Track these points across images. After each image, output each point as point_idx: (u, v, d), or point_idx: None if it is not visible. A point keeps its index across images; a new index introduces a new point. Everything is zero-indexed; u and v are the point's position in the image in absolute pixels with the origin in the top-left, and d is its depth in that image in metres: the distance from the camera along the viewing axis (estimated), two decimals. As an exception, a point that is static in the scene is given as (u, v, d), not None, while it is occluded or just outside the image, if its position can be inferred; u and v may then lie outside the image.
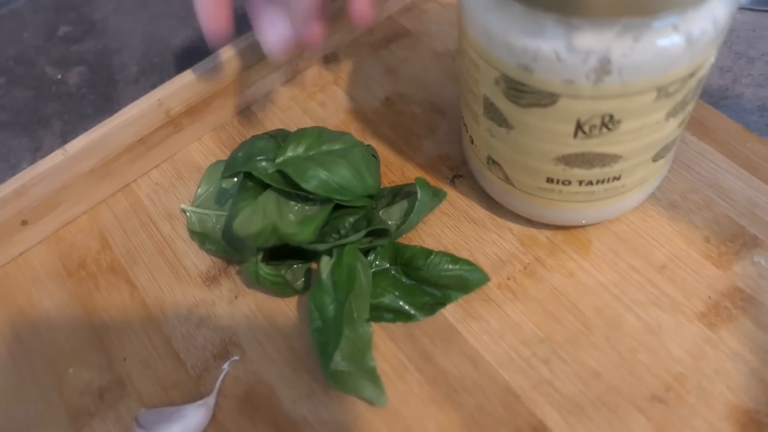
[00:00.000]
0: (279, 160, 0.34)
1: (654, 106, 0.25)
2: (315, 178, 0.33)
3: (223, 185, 0.37)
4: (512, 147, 0.29)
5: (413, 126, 0.40)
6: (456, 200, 0.37)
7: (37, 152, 0.47)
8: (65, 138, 0.47)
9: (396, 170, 0.39)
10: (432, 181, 0.38)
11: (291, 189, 0.33)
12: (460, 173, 0.38)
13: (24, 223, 0.38)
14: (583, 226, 0.34)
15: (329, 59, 0.45)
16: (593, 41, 0.23)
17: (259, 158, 0.35)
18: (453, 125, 0.40)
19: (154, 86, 0.42)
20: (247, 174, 0.34)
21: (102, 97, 0.50)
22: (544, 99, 0.26)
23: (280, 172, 0.34)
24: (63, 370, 0.35)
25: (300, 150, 0.35)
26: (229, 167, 0.35)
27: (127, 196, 0.41)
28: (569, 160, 0.28)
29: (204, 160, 0.41)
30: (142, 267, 0.37)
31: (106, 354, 0.35)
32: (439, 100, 0.41)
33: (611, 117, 0.26)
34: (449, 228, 0.36)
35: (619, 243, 0.34)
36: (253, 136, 0.36)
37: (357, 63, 0.45)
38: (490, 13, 0.26)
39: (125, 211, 0.40)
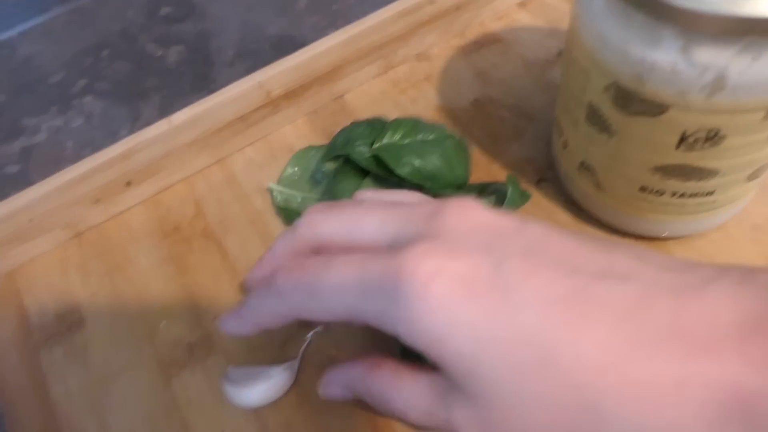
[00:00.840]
0: (376, 145, 0.36)
1: (761, 125, 0.26)
2: (408, 165, 0.35)
3: (325, 168, 0.39)
4: (611, 154, 0.31)
5: (501, 129, 0.42)
6: (540, 203, 0.38)
7: (136, 122, 0.50)
8: (162, 111, 0.50)
9: (482, 169, 0.40)
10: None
11: (386, 174, 0.35)
12: (546, 177, 0.39)
13: (128, 184, 0.41)
14: (665, 239, 0.35)
15: (421, 58, 0.47)
16: (712, 57, 0.24)
17: (357, 143, 0.37)
18: (540, 131, 0.41)
19: (248, 70, 0.44)
20: (346, 158, 0.36)
21: (199, 76, 0.52)
22: (654, 109, 0.27)
23: (376, 157, 0.36)
24: (156, 323, 0.37)
25: (396, 137, 0.36)
26: (330, 150, 0.37)
27: (222, 169, 0.43)
28: (667, 171, 0.29)
29: (297, 142, 0.44)
30: (234, 235, 0.40)
31: (196, 312, 0.37)
32: (528, 106, 0.43)
33: (717, 132, 0.27)
34: (531, 228, 0.37)
35: (700, 259, 0.35)
36: (352, 123, 0.38)
37: (448, 64, 0.46)
38: (607, 20, 0.27)
39: (219, 183, 0.42)
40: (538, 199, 0.38)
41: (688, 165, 0.29)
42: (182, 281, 0.38)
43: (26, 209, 0.39)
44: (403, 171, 0.35)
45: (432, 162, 0.35)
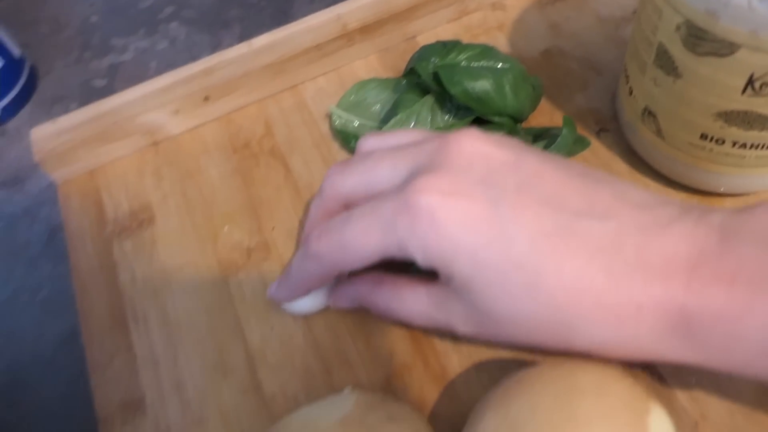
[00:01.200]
0: (439, 63, 0.37)
1: (832, 73, 0.26)
2: (460, 84, 0.36)
3: (384, 96, 0.41)
4: (675, 97, 0.31)
5: (567, 80, 0.42)
6: (599, 151, 0.39)
7: (216, 49, 0.52)
8: (242, 40, 0.52)
9: (545, 115, 0.41)
10: (579, 130, 0.39)
11: (443, 93, 0.37)
12: (607, 128, 0.39)
13: (206, 99, 0.43)
14: (720, 195, 0.35)
15: (496, 7, 0.48)
16: (789, -6, 0.25)
17: (428, 60, 0.38)
18: (606, 84, 0.42)
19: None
20: (413, 76, 0.37)
21: (279, 11, 0.55)
22: (723, 48, 0.27)
23: (436, 75, 0.37)
24: (219, 227, 0.39)
25: (460, 58, 0.38)
26: (408, 65, 0.39)
27: (293, 95, 0.45)
28: (729, 117, 0.30)
29: (366, 76, 0.45)
30: (299, 156, 0.42)
31: (257, 221, 0.39)
32: (597, 60, 0.43)
33: (785, 77, 0.27)
34: (586, 175, 0.38)
35: (755, 218, 0.35)
36: (437, 41, 0.40)
37: (522, 15, 0.47)
38: (685, -41, 0.27)
39: (290, 107, 0.44)
40: (597, 148, 0.39)
41: (752, 112, 0.29)
42: (247, 192, 0.41)
43: (112, 112, 0.42)
44: (454, 90, 0.36)
45: (482, 86, 0.36)
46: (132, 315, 0.37)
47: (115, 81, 0.51)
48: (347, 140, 0.40)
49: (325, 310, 0.35)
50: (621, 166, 0.38)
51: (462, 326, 0.28)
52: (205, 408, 0.33)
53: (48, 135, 0.42)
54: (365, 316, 0.34)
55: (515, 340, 0.28)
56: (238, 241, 0.39)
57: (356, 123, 0.41)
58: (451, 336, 0.32)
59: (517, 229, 0.25)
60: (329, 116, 0.43)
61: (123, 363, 0.36)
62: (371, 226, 0.27)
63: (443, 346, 0.33)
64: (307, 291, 0.33)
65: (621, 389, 0.25)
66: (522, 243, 0.25)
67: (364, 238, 0.27)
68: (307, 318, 0.35)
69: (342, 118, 0.41)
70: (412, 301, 0.29)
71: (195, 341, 0.35)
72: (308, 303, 0.34)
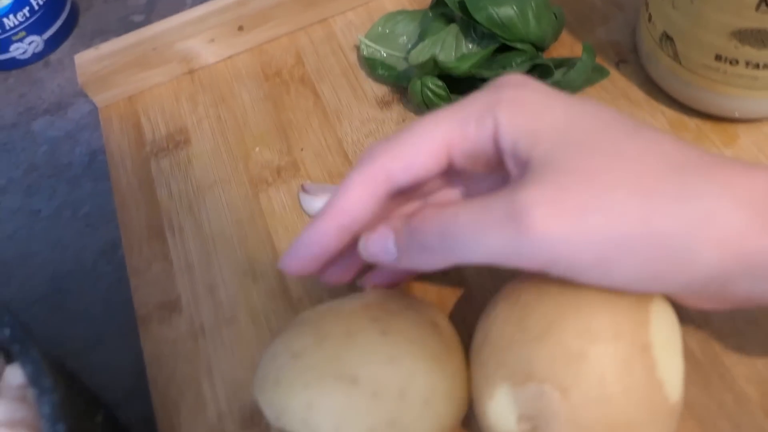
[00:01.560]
0: None
1: (844, -13, 0.27)
2: (485, 10, 0.37)
3: (411, 28, 0.42)
4: (691, 18, 0.32)
5: (590, 13, 0.43)
6: (617, 81, 0.40)
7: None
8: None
9: (566, 47, 0.42)
10: (598, 61, 0.41)
11: (468, 20, 0.38)
12: (626, 59, 0.40)
13: (240, 29, 0.45)
14: (734, 121, 0.36)
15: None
16: None
17: None
18: (628, 19, 0.43)
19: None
20: (439, 7, 0.39)
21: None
22: (738, -36, 0.28)
23: (462, 3, 0.38)
24: (251, 147, 0.42)
25: None
26: None
27: (323, 28, 0.47)
28: (743, 36, 0.31)
29: (394, 9, 0.46)
30: (328, 83, 0.43)
31: (287, 142, 0.41)
32: (620, -3, 0.44)
33: (798, -8, 0.28)
34: (603, 102, 0.39)
35: (767, 143, 0.36)
36: None
37: (548, -46, 0.48)
38: None
39: (320, 39, 0.46)
40: (616, 77, 0.40)
41: (766, 30, 0.30)
42: (277, 117, 0.43)
43: (150, 40, 0.44)
44: (479, 15, 0.37)
45: (505, 12, 0.37)
46: (168, 226, 0.40)
47: (152, 16, 0.53)
48: (374, 68, 0.42)
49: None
50: (638, 94, 0.39)
51: (539, 220, 0.22)
52: (236, 308, 0.36)
53: (90, 60, 0.44)
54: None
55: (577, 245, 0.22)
56: (268, 161, 0.41)
57: (383, 53, 0.43)
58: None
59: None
60: (357, 47, 0.44)
61: (160, 269, 0.38)
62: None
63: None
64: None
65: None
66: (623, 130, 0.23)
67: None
68: (332, 229, 0.37)
69: (370, 47, 0.43)
70: (467, 221, 0.24)
71: (227, 250, 0.38)
72: None
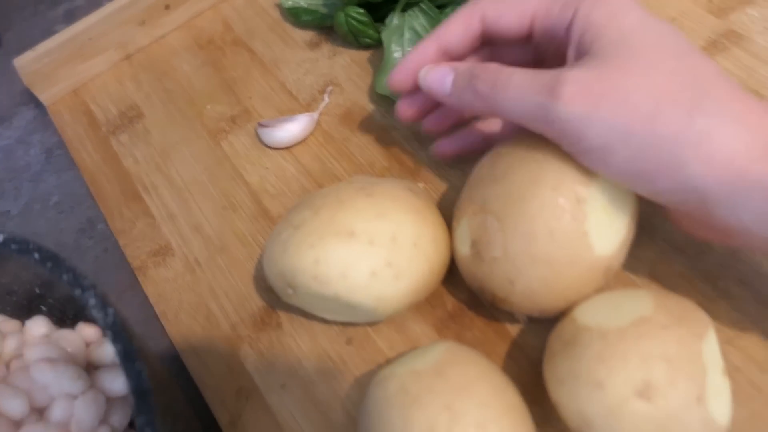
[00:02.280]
0: None
1: None
2: None
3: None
4: None
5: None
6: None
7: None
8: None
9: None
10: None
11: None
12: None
13: (167, 7, 0.49)
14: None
15: None
16: None
17: None
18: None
19: None
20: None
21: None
22: None
23: None
24: (201, 107, 0.45)
25: None
26: None
27: (243, -4, 0.51)
28: None
29: (303, -29, 0.51)
30: (259, 40, 0.48)
31: (234, 95, 0.45)
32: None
33: None
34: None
35: None
36: None
37: None
38: None
39: (242, 5, 0.50)
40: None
41: None
42: (220, 77, 0.47)
43: (85, 31, 0.47)
44: None
45: None
46: (143, 188, 0.43)
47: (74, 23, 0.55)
48: (298, 16, 0.47)
49: (305, 142, 0.41)
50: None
51: (568, 95, 0.26)
52: (224, 238, 0.39)
53: (30, 60, 0.47)
54: (345, 143, 0.41)
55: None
56: (221, 113, 0.45)
57: (303, 2, 0.47)
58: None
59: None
60: (278, 5, 0.49)
61: (144, 224, 0.41)
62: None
63: (412, 150, 0.40)
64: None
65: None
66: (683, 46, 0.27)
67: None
68: (293, 154, 0.41)
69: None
70: (518, 81, 0.28)
71: (203, 193, 0.41)
72: (288, 134, 0.41)
